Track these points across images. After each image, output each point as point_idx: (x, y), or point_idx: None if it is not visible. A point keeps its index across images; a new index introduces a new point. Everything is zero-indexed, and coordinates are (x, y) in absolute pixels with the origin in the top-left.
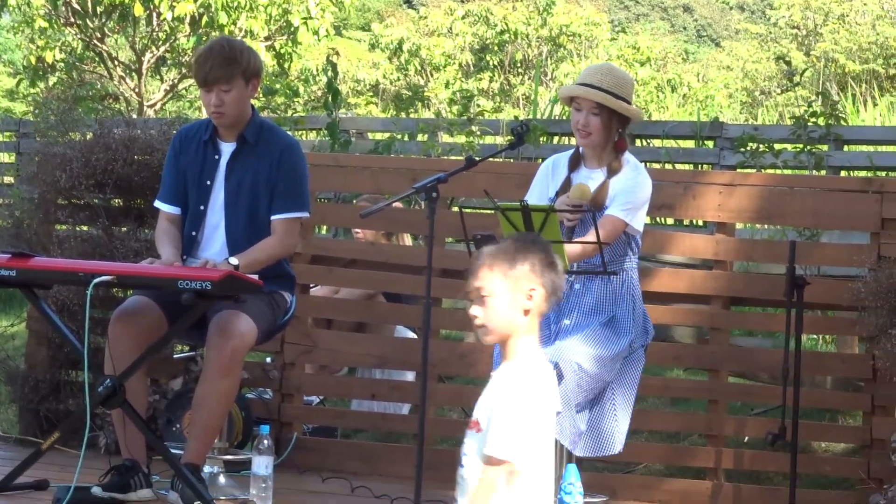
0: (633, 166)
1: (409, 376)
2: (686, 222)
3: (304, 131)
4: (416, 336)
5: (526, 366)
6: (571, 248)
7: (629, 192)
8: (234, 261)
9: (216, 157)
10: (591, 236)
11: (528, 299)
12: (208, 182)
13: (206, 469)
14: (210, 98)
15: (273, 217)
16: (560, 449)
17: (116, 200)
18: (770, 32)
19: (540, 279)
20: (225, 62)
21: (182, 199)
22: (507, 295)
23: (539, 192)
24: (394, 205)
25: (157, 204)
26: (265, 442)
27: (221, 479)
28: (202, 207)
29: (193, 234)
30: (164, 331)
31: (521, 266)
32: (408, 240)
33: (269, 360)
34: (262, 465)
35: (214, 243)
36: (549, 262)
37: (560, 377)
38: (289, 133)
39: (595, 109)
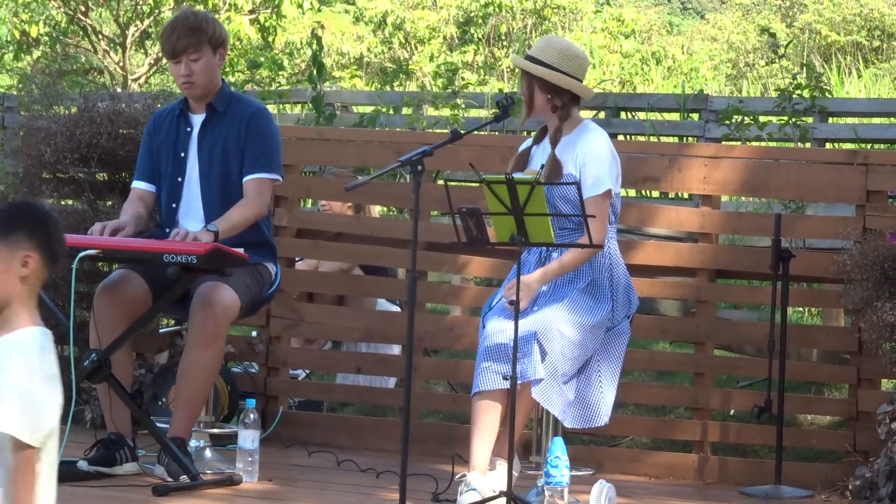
0: (590, 141)
1: (395, 350)
2: (671, 195)
3: (288, 105)
4: (398, 309)
5: (32, 336)
6: (572, 255)
7: (595, 163)
8: (212, 227)
9: (188, 129)
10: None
11: (24, 266)
12: (182, 154)
13: (192, 443)
14: (179, 69)
15: (244, 178)
16: (545, 419)
17: (101, 174)
18: (754, 4)
19: (36, 246)
20: (191, 31)
21: (156, 176)
22: (2, 263)
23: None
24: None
25: (133, 183)
26: (251, 416)
27: (207, 452)
28: (179, 179)
29: (174, 205)
30: (150, 304)
31: (17, 233)
32: (375, 212)
33: (254, 333)
34: (248, 439)
35: (193, 213)
36: (46, 231)
37: (542, 350)
38: (258, 101)
39: (529, 80)
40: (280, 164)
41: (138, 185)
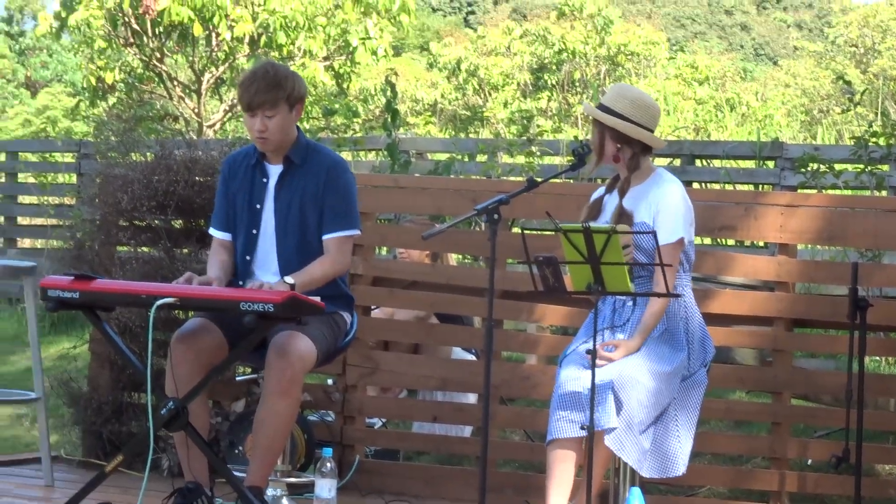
0: (661, 190)
1: (471, 398)
2: (747, 243)
3: (363, 152)
4: (474, 357)
5: None
6: (657, 305)
7: (668, 211)
8: (289, 280)
9: (264, 180)
10: (657, 281)
11: None
12: (258, 206)
13: (269, 492)
14: (254, 122)
15: (325, 236)
16: (623, 469)
17: (178, 222)
18: (828, 50)
19: None
20: (269, 87)
21: (232, 225)
22: None
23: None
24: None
25: (211, 231)
26: (328, 464)
27: (284, 501)
28: (254, 231)
29: (247, 258)
30: (225, 352)
31: None
32: (452, 260)
33: (330, 382)
34: (325, 487)
35: (268, 266)
36: None
37: (618, 399)
38: (334, 152)
39: (600, 127)
40: (358, 217)
41: (217, 234)
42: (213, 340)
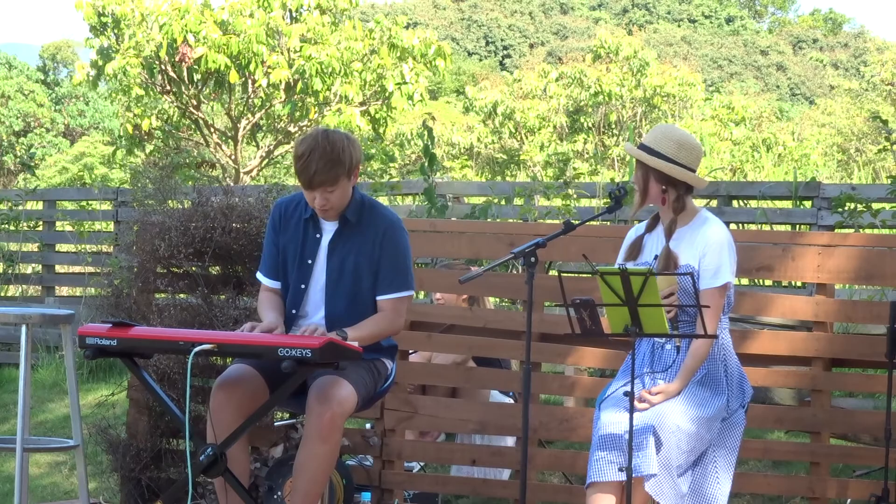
0: (708, 233)
1: (509, 441)
2: (785, 283)
3: (400, 196)
4: (512, 401)
5: None
6: (700, 348)
7: (715, 254)
8: (342, 333)
9: (318, 235)
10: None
11: None
12: (309, 261)
13: None
14: (314, 196)
15: (380, 297)
16: None
17: (215, 268)
18: (864, 89)
19: None
20: (329, 165)
21: (282, 275)
22: None
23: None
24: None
25: (259, 276)
26: None
27: None
28: (303, 286)
29: (294, 311)
30: (266, 398)
31: None
32: (489, 303)
33: (369, 426)
34: None
35: (314, 321)
36: None
37: (658, 442)
38: (390, 209)
39: (643, 169)
40: (412, 277)
41: (266, 281)
42: (253, 386)
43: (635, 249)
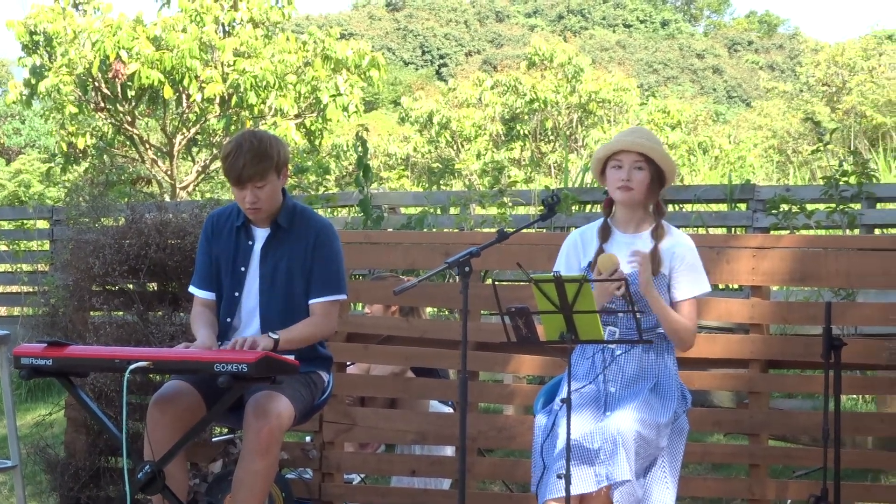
0: (686, 242)
1: (449, 451)
2: (721, 286)
3: (336, 208)
4: (451, 410)
5: None
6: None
7: (692, 267)
8: (274, 335)
9: (250, 242)
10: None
11: None
12: (242, 268)
13: None
14: (244, 195)
15: (311, 301)
16: None
17: (151, 285)
18: (798, 90)
19: None
20: (257, 159)
21: (215, 285)
22: None
23: (566, 267)
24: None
25: (192, 289)
26: None
27: None
28: (237, 294)
29: (229, 320)
30: (202, 414)
31: None
32: (426, 314)
33: (308, 439)
34: None
35: (250, 329)
36: None
37: (614, 452)
38: (322, 215)
39: (639, 163)
40: (345, 282)
41: (199, 293)
42: (190, 403)
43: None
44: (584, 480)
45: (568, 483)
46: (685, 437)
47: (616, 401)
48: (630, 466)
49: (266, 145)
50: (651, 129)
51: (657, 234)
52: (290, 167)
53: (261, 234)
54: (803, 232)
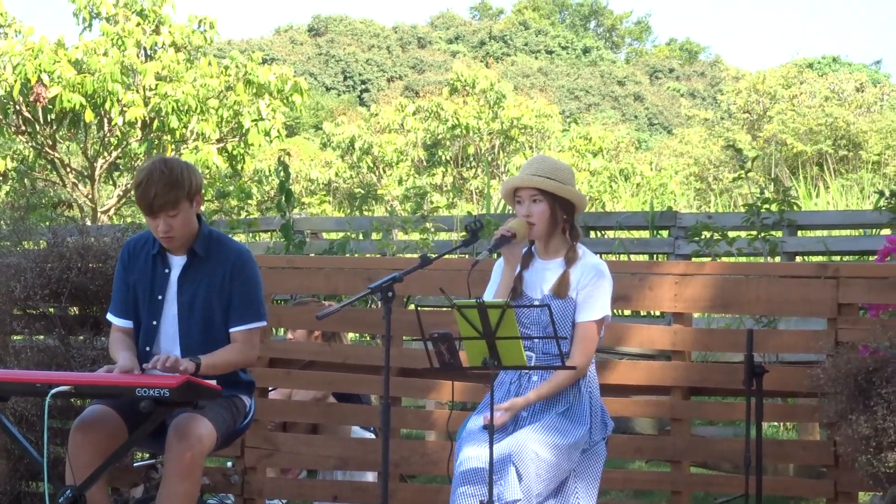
0: (593, 264)
1: (371, 477)
2: (643, 313)
3: (258, 233)
4: (373, 436)
5: None
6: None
7: (597, 287)
8: (196, 359)
9: (166, 270)
10: (571, 354)
11: None
12: (160, 297)
13: None
14: (157, 224)
15: (232, 330)
16: None
17: (72, 309)
18: (720, 117)
19: None
20: (168, 188)
21: (133, 313)
22: None
23: (496, 290)
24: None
25: (109, 317)
26: None
27: None
28: (154, 322)
29: (148, 349)
30: (125, 438)
31: None
32: (347, 339)
33: (229, 464)
34: None
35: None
36: None
37: (518, 472)
38: (238, 241)
39: (536, 196)
40: (264, 308)
41: (116, 321)
42: (112, 427)
43: (516, 289)
44: (472, 500)
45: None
46: (602, 462)
47: (520, 423)
48: (519, 486)
49: (177, 174)
50: (572, 156)
51: (568, 259)
52: (210, 192)
53: (177, 262)
54: (725, 259)
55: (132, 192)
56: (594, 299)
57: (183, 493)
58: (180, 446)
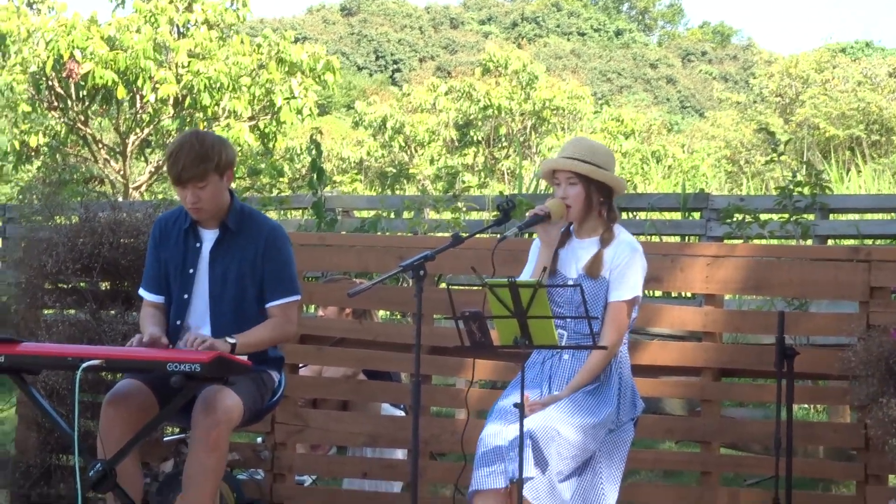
0: (627, 242)
1: (400, 454)
2: (674, 294)
3: (289, 210)
4: (403, 413)
5: None
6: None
7: (630, 267)
8: (232, 339)
9: (198, 244)
10: (602, 335)
11: None
12: (191, 270)
13: None
14: (185, 195)
15: (269, 304)
16: None
17: (104, 284)
18: (751, 101)
19: None
20: (197, 160)
21: (164, 288)
22: None
23: (532, 270)
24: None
25: (141, 292)
26: None
27: None
28: (185, 296)
29: (178, 322)
30: (155, 412)
31: None
32: (378, 317)
33: (259, 440)
34: None
35: (201, 332)
36: None
37: (537, 447)
38: (270, 217)
39: (572, 179)
40: (298, 282)
41: (147, 296)
42: (143, 401)
43: (551, 267)
44: (494, 477)
45: (520, 487)
46: (629, 443)
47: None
48: (536, 464)
49: (208, 147)
50: (604, 138)
51: (604, 239)
52: (241, 169)
53: (209, 236)
54: (756, 241)
55: (164, 167)
56: (626, 279)
57: (209, 466)
58: (206, 420)
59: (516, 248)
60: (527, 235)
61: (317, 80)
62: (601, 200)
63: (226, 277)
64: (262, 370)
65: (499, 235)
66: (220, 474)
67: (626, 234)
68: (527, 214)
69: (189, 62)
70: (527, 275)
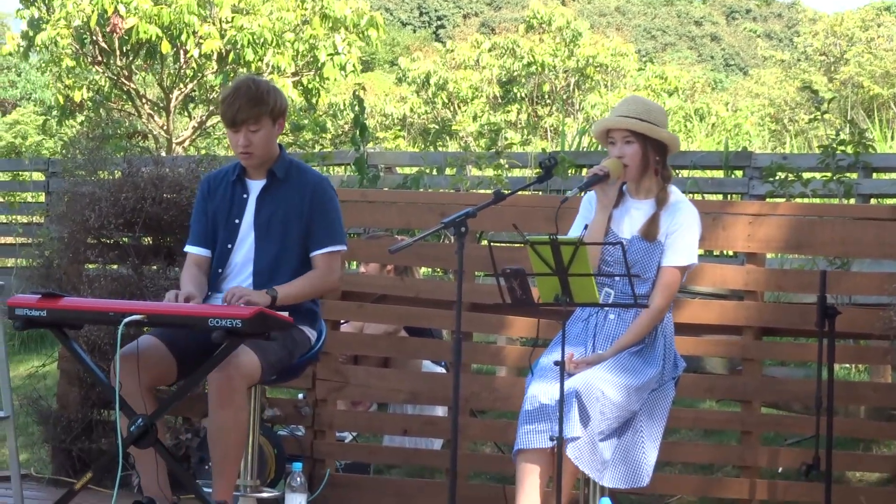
0: (686, 208)
1: (441, 411)
2: (716, 253)
3: (332, 166)
4: (443, 370)
5: None
6: (638, 326)
7: (687, 233)
8: (272, 292)
9: (244, 195)
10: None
11: None
12: (237, 220)
13: None
14: (238, 138)
15: (313, 253)
16: (592, 480)
17: (146, 239)
18: (796, 59)
19: None
20: (252, 103)
21: (211, 242)
22: None
23: (581, 224)
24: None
25: (187, 248)
26: (298, 479)
27: None
28: (229, 246)
29: (220, 270)
30: (172, 371)
31: None
32: (419, 273)
33: (300, 396)
34: (296, 502)
35: (241, 281)
36: None
37: (582, 407)
38: (318, 170)
39: (628, 138)
40: (344, 233)
41: (193, 249)
42: (159, 360)
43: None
44: (540, 436)
45: (560, 445)
46: (669, 402)
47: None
48: (581, 424)
49: (263, 91)
50: (647, 95)
51: (659, 200)
52: (286, 122)
53: (255, 186)
54: (799, 200)
55: (212, 121)
56: (683, 245)
57: (227, 421)
58: (218, 374)
59: (575, 207)
60: (582, 194)
61: (360, 35)
62: (657, 159)
63: (270, 223)
64: (293, 325)
65: (544, 195)
66: (241, 428)
67: (681, 196)
68: (585, 174)
69: (233, 17)
70: (576, 230)
